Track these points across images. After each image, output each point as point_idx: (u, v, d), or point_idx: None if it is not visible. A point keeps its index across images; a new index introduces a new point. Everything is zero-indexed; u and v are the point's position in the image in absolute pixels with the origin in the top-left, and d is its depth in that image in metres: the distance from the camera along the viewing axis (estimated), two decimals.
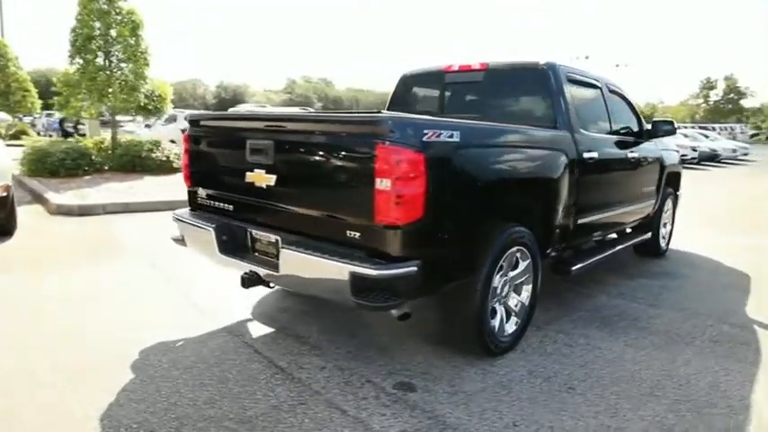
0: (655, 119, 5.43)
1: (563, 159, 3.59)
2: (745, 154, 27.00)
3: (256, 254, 3.14)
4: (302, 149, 2.84)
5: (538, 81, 3.94)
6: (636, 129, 5.05)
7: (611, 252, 4.59)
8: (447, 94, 4.57)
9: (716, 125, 44.77)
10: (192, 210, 3.63)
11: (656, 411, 2.68)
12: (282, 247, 2.76)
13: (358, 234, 2.56)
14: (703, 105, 79.97)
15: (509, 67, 4.18)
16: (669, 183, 5.82)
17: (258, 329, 3.56)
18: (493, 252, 2.97)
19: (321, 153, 2.73)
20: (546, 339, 3.53)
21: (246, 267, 3.10)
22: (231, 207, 3.29)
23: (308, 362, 3.09)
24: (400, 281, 2.45)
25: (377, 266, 2.43)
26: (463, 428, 2.47)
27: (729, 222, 8.53)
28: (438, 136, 2.57)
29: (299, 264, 2.70)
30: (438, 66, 4.59)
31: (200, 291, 4.26)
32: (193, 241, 3.47)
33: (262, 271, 2.98)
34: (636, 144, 4.82)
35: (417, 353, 3.25)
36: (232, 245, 3.20)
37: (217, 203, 3.39)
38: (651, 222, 5.58)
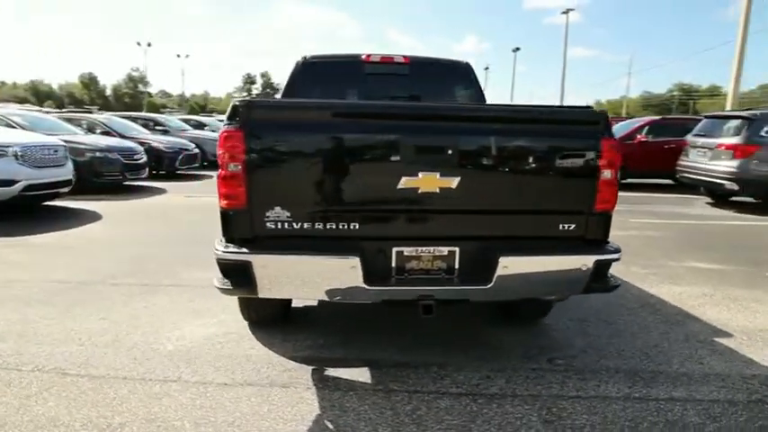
0: None
1: None
2: None
3: (407, 275, 2.60)
4: (503, 146, 2.55)
5: (465, 76, 4.46)
6: None
7: None
8: (367, 83, 4.43)
9: None
10: (246, 242, 2.49)
11: (694, 328, 3.72)
12: (501, 256, 2.48)
13: (573, 225, 2.64)
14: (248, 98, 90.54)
15: (433, 61, 4.50)
16: None
17: (355, 374, 2.85)
18: None
19: (528, 149, 2.57)
20: None
21: (390, 296, 2.56)
22: (356, 225, 2.51)
23: (481, 381, 2.82)
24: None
25: (612, 251, 2.64)
26: (660, 370, 3.00)
27: None
28: None
29: (531, 267, 2.53)
30: (353, 54, 4.41)
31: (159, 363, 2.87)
32: (298, 281, 2.46)
33: (441, 290, 2.54)
34: None
35: (493, 336, 3.43)
36: (376, 272, 2.52)
37: (319, 225, 2.49)
38: None
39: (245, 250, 2.42)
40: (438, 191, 2.48)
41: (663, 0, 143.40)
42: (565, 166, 2.61)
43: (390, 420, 2.40)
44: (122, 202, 8.80)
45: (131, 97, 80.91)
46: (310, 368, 2.90)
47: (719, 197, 10.05)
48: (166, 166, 12.09)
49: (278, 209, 2.46)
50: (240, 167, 2.41)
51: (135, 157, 10.20)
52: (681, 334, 3.55)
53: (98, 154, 9.47)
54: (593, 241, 2.68)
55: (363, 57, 4.36)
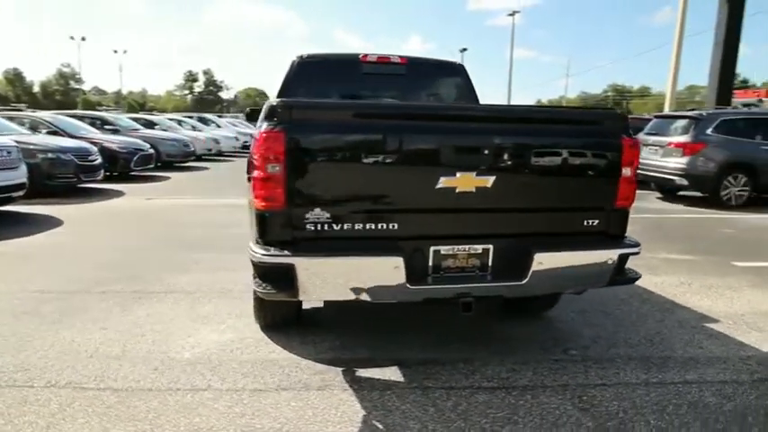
0: None
1: None
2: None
3: (443, 273, 2.64)
4: (534, 146, 2.63)
5: (459, 76, 4.55)
6: None
7: None
8: (364, 82, 4.42)
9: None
10: (286, 245, 2.44)
11: (684, 315, 3.95)
12: (536, 252, 2.56)
13: (596, 221, 2.76)
14: (189, 96, 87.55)
15: (429, 61, 4.56)
16: None
17: (386, 373, 2.87)
18: None
19: (556, 148, 2.66)
20: None
21: (427, 295, 2.61)
22: (394, 225, 2.52)
23: (509, 374, 2.91)
24: None
25: (633, 245, 2.78)
26: (667, 355, 3.19)
27: None
28: None
29: (563, 262, 2.63)
30: (350, 53, 4.40)
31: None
32: (341, 283, 2.44)
33: (478, 287, 2.61)
34: None
35: (505, 331, 3.53)
36: (415, 272, 2.54)
37: (359, 226, 2.49)
38: None
39: (287, 253, 2.38)
40: (474, 190, 2.53)
41: (598, 5, 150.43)
42: (590, 164, 2.74)
43: (436, 417, 2.44)
44: (80, 206, 8.33)
45: (63, 94, 76.46)
46: (339, 369, 2.89)
47: (668, 192, 10.70)
48: (121, 167, 11.52)
49: (318, 210, 2.43)
50: (280, 169, 2.37)
51: (89, 158, 9.68)
52: (674, 321, 3.78)
53: (50, 155, 8.91)
54: (614, 236, 2.82)
55: (360, 56, 4.36)
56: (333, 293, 2.52)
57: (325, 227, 2.46)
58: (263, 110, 2.49)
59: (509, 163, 2.60)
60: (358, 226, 2.49)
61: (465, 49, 47.96)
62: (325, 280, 2.45)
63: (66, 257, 5.20)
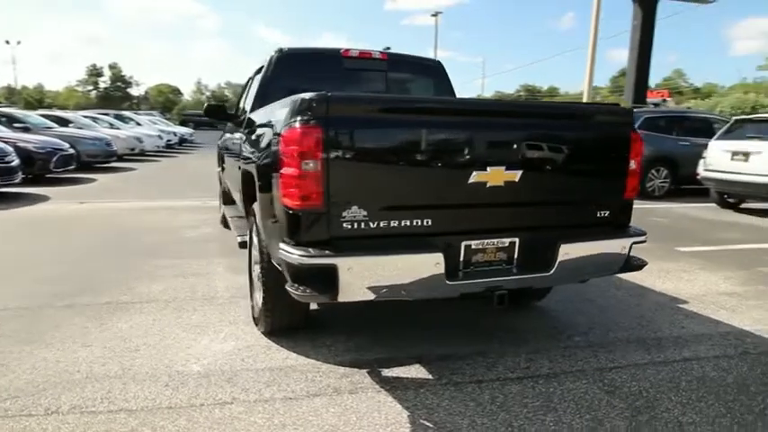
0: None
1: None
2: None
3: (472, 268, 2.65)
4: (554, 140, 2.69)
5: (438, 73, 4.60)
6: None
7: None
8: (345, 78, 4.33)
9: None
10: (323, 245, 2.34)
11: (657, 298, 4.32)
12: (562, 244, 2.64)
13: (608, 212, 2.89)
14: (94, 92, 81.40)
15: (409, 58, 4.56)
16: None
17: (411, 371, 2.84)
18: None
19: (576, 142, 2.74)
20: None
21: (460, 290, 2.62)
22: (429, 221, 2.49)
23: (529, 364, 2.98)
24: None
25: (640, 233, 2.95)
26: (659, 336, 3.40)
27: None
28: None
29: (586, 252, 2.72)
30: (331, 48, 4.30)
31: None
32: (383, 281, 2.38)
33: (508, 280, 2.65)
34: None
35: (506, 323, 3.63)
36: (450, 267, 2.53)
37: (395, 223, 2.43)
38: None
39: (328, 253, 2.28)
40: (503, 184, 2.57)
41: (510, 8, 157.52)
42: (605, 157, 2.87)
43: (480, 411, 2.44)
44: (2, 213, 7.50)
45: None
46: (365, 371, 2.82)
47: None
48: (38, 168, 10.49)
49: (355, 208, 2.36)
50: (316, 165, 2.26)
51: (5, 159, 8.74)
52: (651, 303, 4.06)
53: None
54: (623, 226, 2.97)
55: (341, 51, 4.27)
56: (372, 292, 2.44)
57: (362, 225, 2.38)
58: (292, 103, 2.37)
59: (535, 157, 2.66)
60: (394, 223, 2.44)
61: (388, 48, 48.28)
62: (367, 279, 2.37)
63: (7, 270, 4.66)
